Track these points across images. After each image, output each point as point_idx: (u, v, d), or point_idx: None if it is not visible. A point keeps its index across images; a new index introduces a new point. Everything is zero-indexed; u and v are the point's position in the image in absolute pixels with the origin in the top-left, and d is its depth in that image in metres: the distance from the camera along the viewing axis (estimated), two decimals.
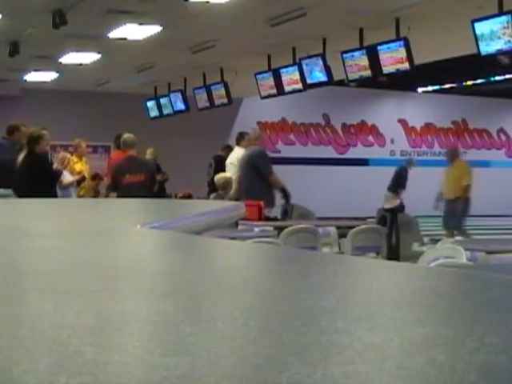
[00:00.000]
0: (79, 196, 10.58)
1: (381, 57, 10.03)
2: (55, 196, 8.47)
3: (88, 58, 13.12)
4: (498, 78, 18.32)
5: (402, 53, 9.72)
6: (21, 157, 8.58)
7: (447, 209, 11.46)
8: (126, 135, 8.88)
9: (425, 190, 19.51)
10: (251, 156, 9.23)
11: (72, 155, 11.09)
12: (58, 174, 9.21)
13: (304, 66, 11.61)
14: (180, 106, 15.50)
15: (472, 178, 11.31)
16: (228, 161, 10.60)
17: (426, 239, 11.32)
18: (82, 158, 11.34)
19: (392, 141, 20.74)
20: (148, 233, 2.25)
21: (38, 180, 8.02)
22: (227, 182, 9.42)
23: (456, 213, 11.13)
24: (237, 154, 10.34)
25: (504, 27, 8.30)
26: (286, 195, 9.28)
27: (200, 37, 11.39)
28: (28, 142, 8.32)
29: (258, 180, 8.99)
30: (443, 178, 11.69)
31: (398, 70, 9.96)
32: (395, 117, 20.73)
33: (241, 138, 10.59)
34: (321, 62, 11.27)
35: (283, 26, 10.28)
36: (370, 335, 0.81)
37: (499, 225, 16.35)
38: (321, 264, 1.57)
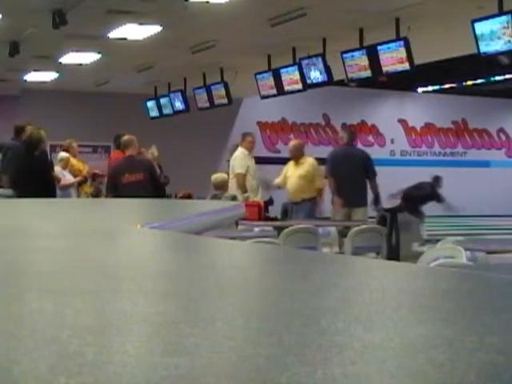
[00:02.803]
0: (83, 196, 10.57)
1: (381, 57, 10.02)
2: (54, 197, 8.52)
3: (88, 57, 13.12)
4: (497, 78, 18.31)
5: (402, 53, 9.71)
6: (19, 157, 8.63)
7: (293, 213, 9.53)
8: (125, 136, 8.92)
9: None
10: (361, 156, 9.82)
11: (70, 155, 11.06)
12: (57, 177, 9.28)
13: (304, 66, 11.61)
14: (180, 106, 15.50)
15: (320, 177, 9.86)
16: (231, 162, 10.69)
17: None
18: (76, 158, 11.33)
19: (392, 141, 20.73)
20: (148, 233, 2.25)
21: (38, 180, 8.07)
22: (223, 182, 9.53)
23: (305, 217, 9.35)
24: (235, 155, 10.47)
25: (504, 27, 8.30)
26: (378, 200, 9.67)
27: (200, 37, 11.39)
28: (28, 143, 8.36)
29: (363, 180, 9.51)
30: (285, 177, 10.06)
31: (398, 70, 9.96)
32: (395, 117, 20.72)
33: (242, 139, 10.72)
34: (321, 62, 11.27)
35: (283, 25, 10.28)
36: (370, 335, 0.81)
37: (499, 225, 16.36)
38: (321, 264, 1.57)
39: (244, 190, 10.06)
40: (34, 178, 8.09)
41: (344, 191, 9.50)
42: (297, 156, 9.95)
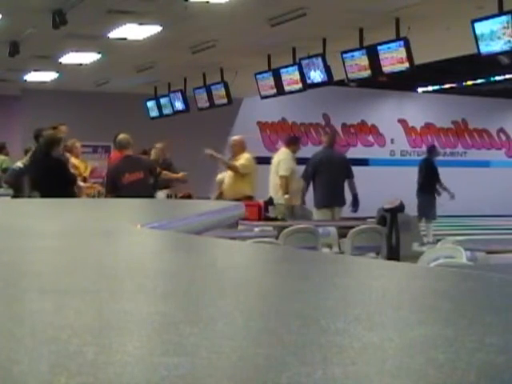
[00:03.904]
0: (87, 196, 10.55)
1: (381, 57, 10.03)
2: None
3: (88, 57, 13.13)
4: (497, 78, 18.32)
5: (402, 53, 9.72)
6: (36, 159, 8.63)
7: None
8: (120, 136, 8.88)
9: None
10: (344, 159, 10.22)
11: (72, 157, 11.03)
12: (74, 176, 9.23)
13: (304, 66, 11.61)
14: (180, 105, 15.50)
15: (253, 175, 9.26)
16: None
17: (426, 239, 11.32)
18: (79, 159, 11.31)
19: (392, 141, 20.73)
20: (148, 233, 2.25)
21: (57, 183, 8.09)
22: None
23: None
24: (282, 157, 10.23)
25: (504, 27, 8.30)
26: (356, 201, 10.01)
27: (200, 37, 11.39)
28: (46, 145, 8.36)
29: (343, 181, 9.85)
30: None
31: (397, 70, 9.96)
32: (395, 117, 20.72)
33: (293, 142, 10.47)
34: (321, 62, 11.27)
35: (283, 25, 10.28)
36: (370, 335, 0.81)
37: (499, 225, 16.36)
38: (321, 264, 1.57)
39: (286, 191, 9.93)
40: (53, 179, 8.09)
41: (327, 192, 9.76)
42: (236, 153, 9.51)
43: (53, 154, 8.35)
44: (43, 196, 7.62)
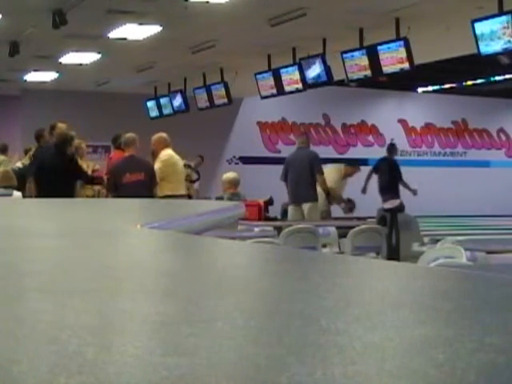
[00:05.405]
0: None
1: (381, 57, 10.03)
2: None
3: (88, 57, 13.13)
4: (497, 78, 18.32)
5: (402, 53, 9.72)
6: (49, 157, 8.62)
7: None
8: (127, 134, 8.89)
9: (425, 190, 19.54)
10: (309, 156, 10.22)
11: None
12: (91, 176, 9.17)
13: (304, 66, 11.62)
14: (180, 106, 15.50)
15: (173, 175, 8.87)
16: None
17: (426, 239, 11.31)
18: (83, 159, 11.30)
19: (392, 141, 20.74)
20: (148, 233, 2.25)
21: (72, 181, 8.10)
22: (236, 181, 9.76)
23: None
24: None
25: (504, 27, 8.30)
26: (329, 195, 10.16)
27: (200, 37, 11.40)
28: (62, 144, 8.35)
29: (309, 177, 9.92)
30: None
31: (398, 69, 9.97)
32: (395, 117, 20.72)
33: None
34: (321, 62, 11.27)
35: (283, 25, 10.29)
36: (370, 335, 0.81)
37: (499, 225, 16.35)
38: (321, 264, 1.57)
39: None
40: (66, 178, 8.08)
41: (291, 189, 10.04)
42: (156, 151, 9.15)
43: (68, 152, 8.36)
44: (57, 195, 7.57)
